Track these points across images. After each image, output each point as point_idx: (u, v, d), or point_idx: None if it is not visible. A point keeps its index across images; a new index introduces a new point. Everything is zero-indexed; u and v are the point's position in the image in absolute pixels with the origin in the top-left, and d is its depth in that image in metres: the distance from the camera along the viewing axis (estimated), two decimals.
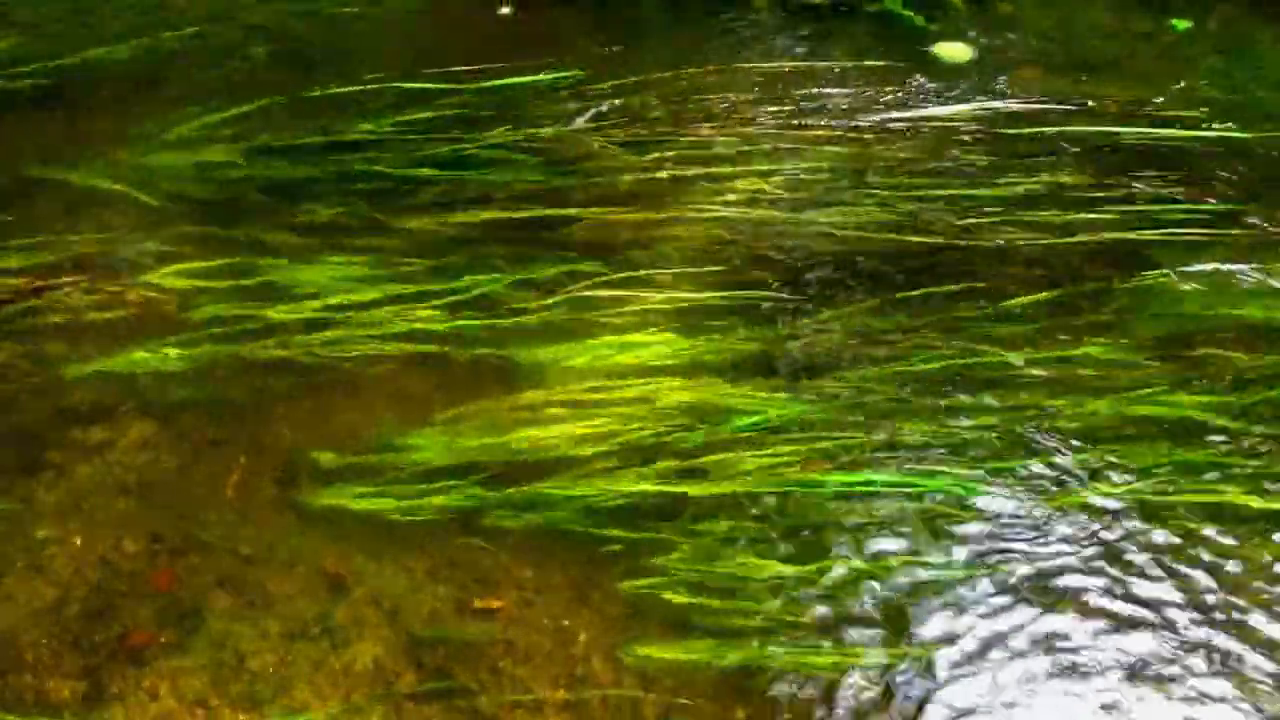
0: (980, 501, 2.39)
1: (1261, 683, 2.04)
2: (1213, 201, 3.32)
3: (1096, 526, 2.33)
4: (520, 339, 2.79)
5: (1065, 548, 2.29)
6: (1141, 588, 2.21)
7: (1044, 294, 2.95)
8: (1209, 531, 2.32)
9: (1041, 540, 2.31)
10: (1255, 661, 2.08)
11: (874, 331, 2.83)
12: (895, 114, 3.74)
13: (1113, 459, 2.47)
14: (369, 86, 3.79)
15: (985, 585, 2.22)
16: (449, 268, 3.00)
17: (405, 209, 3.24)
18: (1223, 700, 2.03)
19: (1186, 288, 2.99)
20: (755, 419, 2.55)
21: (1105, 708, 2.02)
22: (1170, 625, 2.15)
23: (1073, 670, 2.07)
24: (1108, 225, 3.21)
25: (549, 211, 3.24)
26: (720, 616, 2.16)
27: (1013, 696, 2.04)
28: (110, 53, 4.02)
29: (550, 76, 3.90)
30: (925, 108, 3.78)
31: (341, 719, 2.00)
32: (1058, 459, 2.48)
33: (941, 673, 2.07)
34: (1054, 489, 2.41)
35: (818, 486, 2.41)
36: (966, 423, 2.57)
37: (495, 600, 2.20)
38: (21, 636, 2.12)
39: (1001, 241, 3.14)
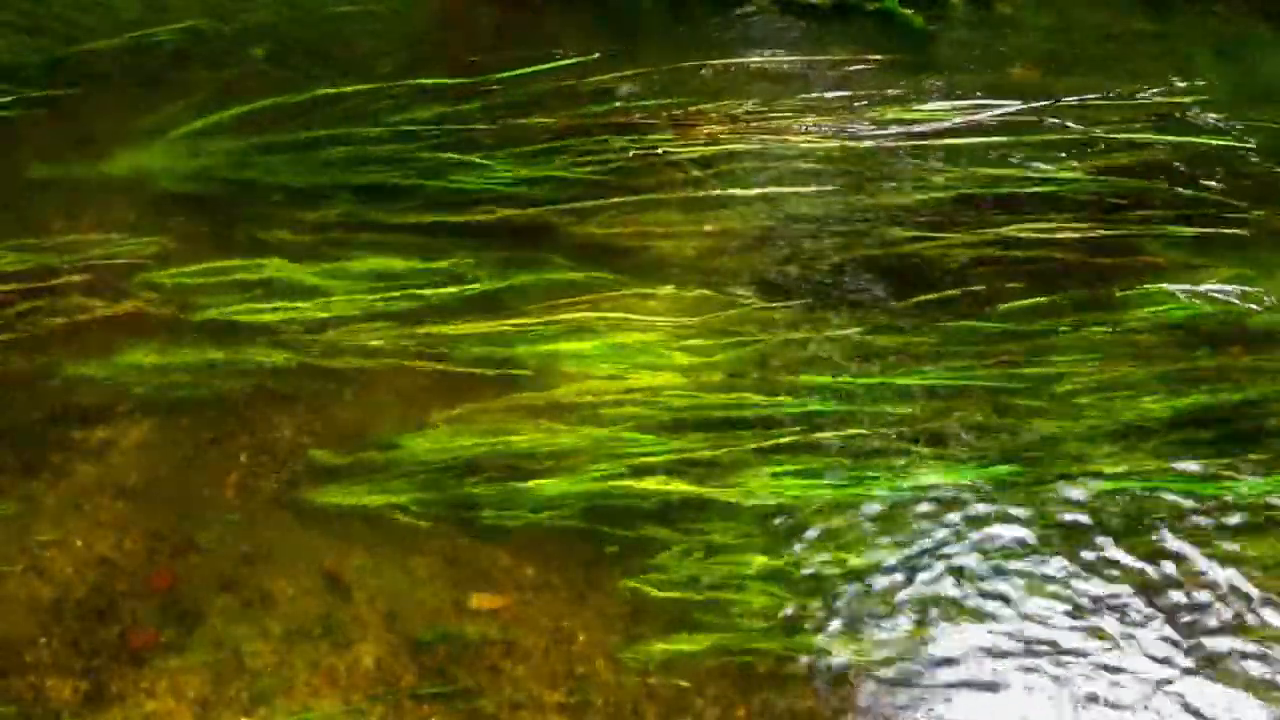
0: (977, 503, 2.39)
1: None
2: (1212, 201, 3.33)
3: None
4: (521, 338, 2.79)
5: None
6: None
7: (1042, 297, 2.96)
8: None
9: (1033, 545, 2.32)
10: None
11: (873, 334, 2.83)
12: (894, 113, 3.74)
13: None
14: (368, 85, 3.79)
15: (987, 588, 2.23)
16: (449, 266, 3.00)
17: (405, 208, 3.24)
18: None
19: (1186, 289, 2.99)
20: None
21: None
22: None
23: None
24: (1107, 225, 3.21)
25: (550, 210, 3.24)
26: (720, 615, 2.16)
27: (1015, 696, 2.04)
28: (111, 53, 4.02)
29: (550, 75, 3.90)
30: (924, 106, 3.77)
31: (341, 719, 2.00)
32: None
33: (941, 669, 2.07)
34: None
35: (816, 487, 2.41)
36: (967, 422, 2.57)
37: (495, 600, 2.20)
38: (21, 636, 2.11)
39: (999, 240, 3.15)
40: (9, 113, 3.69)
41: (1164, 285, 3.00)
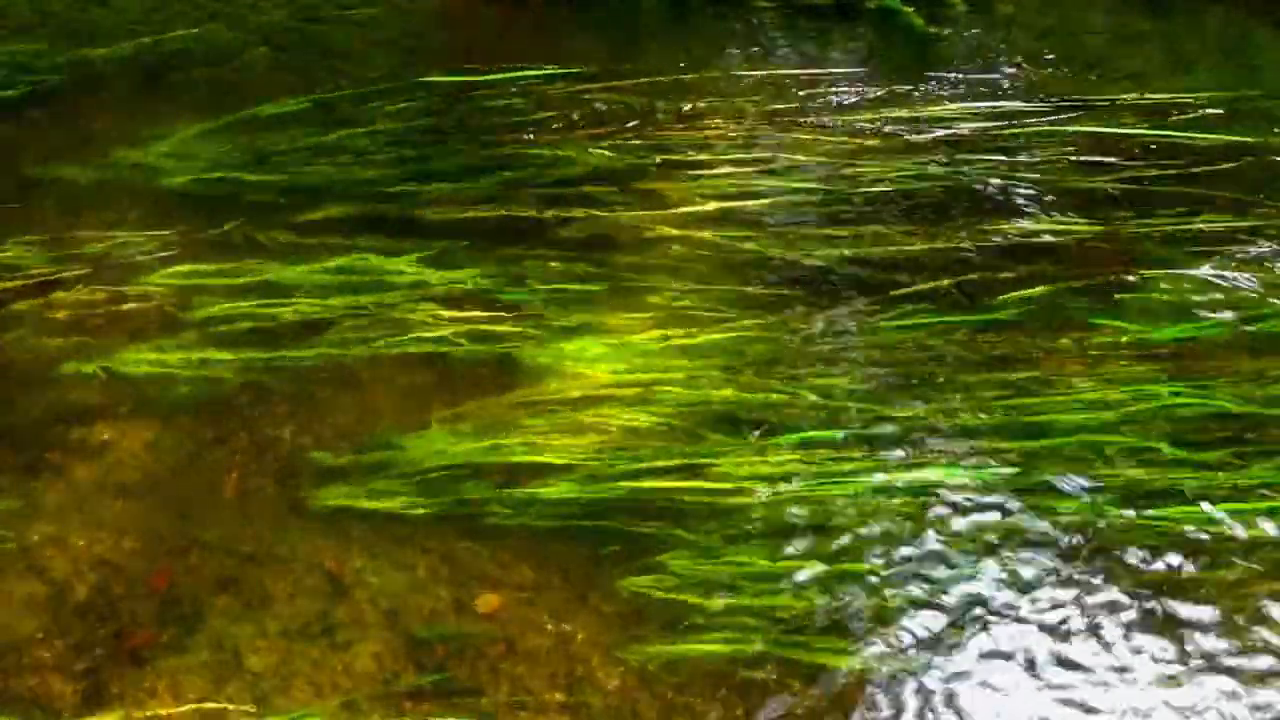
0: (980, 502, 2.39)
1: None
2: (1212, 200, 3.33)
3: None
4: (521, 338, 2.79)
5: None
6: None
7: (1041, 288, 2.96)
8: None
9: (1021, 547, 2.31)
10: None
11: (872, 331, 2.83)
12: (894, 113, 3.74)
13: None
14: (369, 86, 3.80)
15: (979, 586, 2.23)
16: (449, 267, 3.00)
17: (405, 209, 3.24)
18: None
19: (1184, 289, 2.99)
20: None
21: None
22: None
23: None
24: (1108, 221, 3.22)
25: (550, 210, 3.24)
26: (719, 615, 2.16)
27: (1008, 694, 2.04)
28: (111, 53, 4.02)
29: (550, 76, 3.90)
30: (925, 107, 3.78)
31: (341, 719, 2.00)
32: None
33: (939, 670, 2.07)
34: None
35: (817, 486, 2.41)
36: (968, 418, 2.57)
37: (495, 599, 2.20)
38: (21, 636, 2.11)
39: (999, 239, 3.15)
40: (10, 113, 3.69)
41: (1163, 280, 3.00)
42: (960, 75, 4.00)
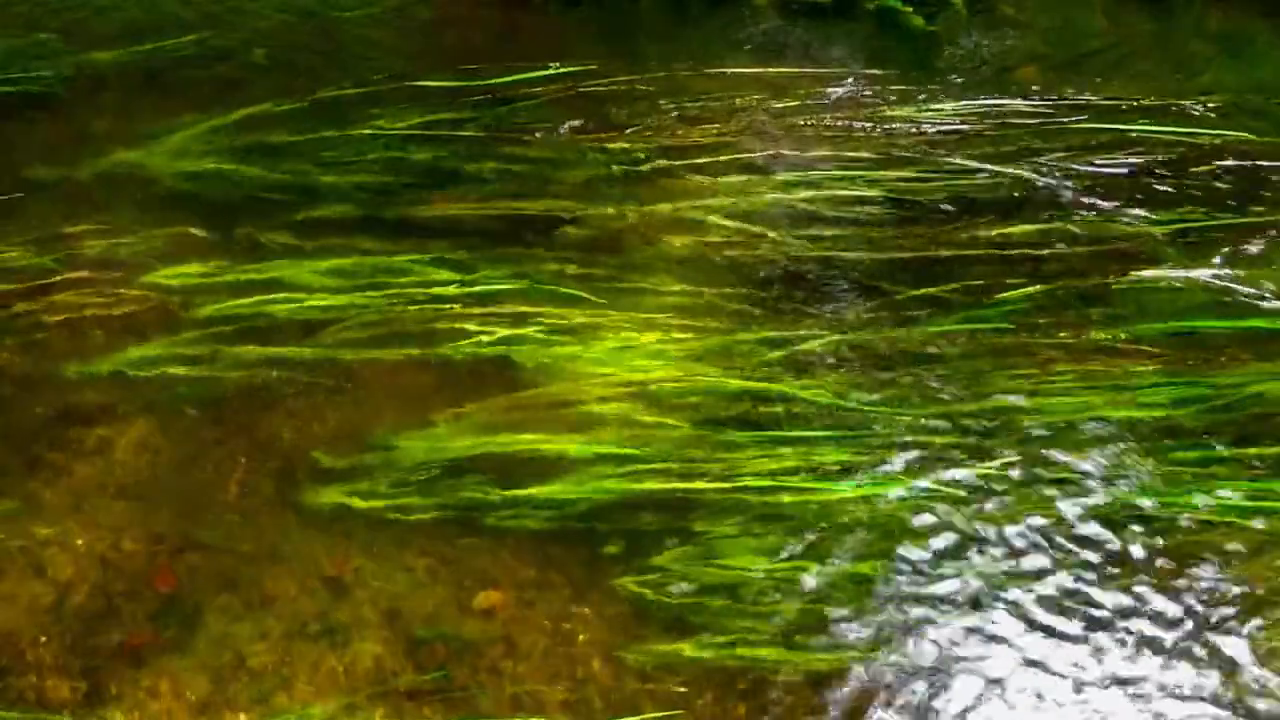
0: (977, 501, 2.39)
1: None
2: (1212, 199, 3.33)
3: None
4: (521, 337, 2.79)
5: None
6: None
7: (1042, 287, 2.96)
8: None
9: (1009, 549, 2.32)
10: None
11: (874, 331, 2.83)
12: (895, 112, 3.74)
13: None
14: (367, 86, 3.80)
15: (983, 586, 2.23)
16: (449, 267, 3.00)
17: (405, 209, 3.24)
18: None
19: (1185, 288, 2.99)
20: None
21: None
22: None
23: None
24: (1106, 224, 3.22)
25: (549, 212, 3.24)
26: (720, 616, 2.16)
27: (1014, 695, 2.04)
28: (111, 53, 4.02)
29: (548, 78, 3.90)
30: (925, 106, 3.78)
31: (341, 718, 2.00)
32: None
33: (938, 670, 2.07)
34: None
35: (816, 486, 2.41)
36: (968, 422, 2.57)
37: (495, 596, 2.20)
38: (22, 636, 2.12)
39: (1000, 238, 3.15)
40: (10, 113, 3.69)
41: (1163, 279, 3.00)
42: (960, 75, 4.00)
